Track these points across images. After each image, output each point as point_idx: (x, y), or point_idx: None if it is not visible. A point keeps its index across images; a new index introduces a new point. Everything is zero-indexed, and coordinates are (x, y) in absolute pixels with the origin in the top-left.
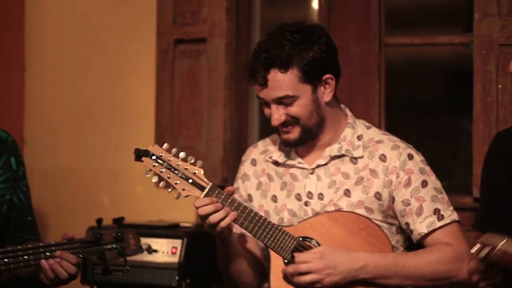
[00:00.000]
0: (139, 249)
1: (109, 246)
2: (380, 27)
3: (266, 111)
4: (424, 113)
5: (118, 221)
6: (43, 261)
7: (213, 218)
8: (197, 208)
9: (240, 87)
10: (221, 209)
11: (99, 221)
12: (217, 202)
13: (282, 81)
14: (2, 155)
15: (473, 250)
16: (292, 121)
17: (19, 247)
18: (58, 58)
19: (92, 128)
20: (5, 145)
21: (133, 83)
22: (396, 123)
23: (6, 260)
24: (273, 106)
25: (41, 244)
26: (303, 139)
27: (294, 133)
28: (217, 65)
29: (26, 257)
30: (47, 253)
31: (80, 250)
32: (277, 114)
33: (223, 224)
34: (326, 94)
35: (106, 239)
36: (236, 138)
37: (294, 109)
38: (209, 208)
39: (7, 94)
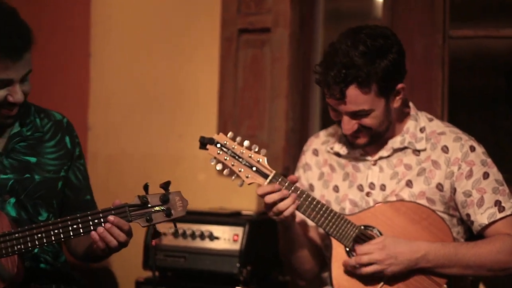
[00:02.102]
0: (186, 210)
1: (156, 209)
2: (445, 19)
3: (333, 114)
4: (486, 105)
5: (165, 185)
6: (93, 233)
7: (281, 206)
8: (261, 195)
9: (303, 77)
10: (287, 197)
11: (146, 186)
12: (281, 189)
13: (360, 96)
14: (57, 135)
15: None
16: (364, 129)
17: (68, 217)
18: (123, 45)
19: (156, 115)
20: (60, 125)
21: (196, 71)
22: (459, 115)
23: (56, 231)
24: (346, 118)
25: (88, 212)
26: (372, 142)
27: (363, 139)
28: (281, 55)
29: (75, 226)
30: (95, 220)
31: (128, 214)
32: (349, 125)
33: (288, 212)
34: (396, 100)
35: (152, 202)
36: (298, 127)
37: (367, 121)
38: (275, 196)
39: (72, 81)
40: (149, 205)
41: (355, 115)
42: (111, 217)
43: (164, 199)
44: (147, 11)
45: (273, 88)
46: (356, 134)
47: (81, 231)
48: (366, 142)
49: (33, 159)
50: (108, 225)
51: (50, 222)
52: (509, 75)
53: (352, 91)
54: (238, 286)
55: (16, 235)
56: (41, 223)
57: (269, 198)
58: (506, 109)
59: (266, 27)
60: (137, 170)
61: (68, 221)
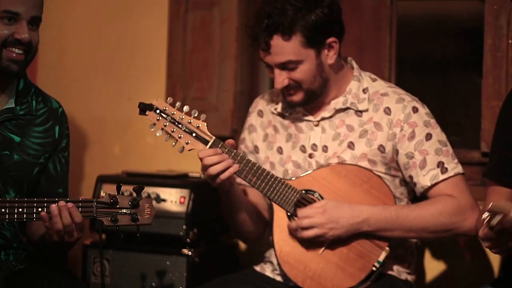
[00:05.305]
0: (153, 219)
1: (123, 211)
2: None
3: (270, 74)
4: (434, 68)
5: (139, 190)
6: (42, 213)
7: (215, 169)
8: (202, 158)
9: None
10: (224, 160)
11: (119, 186)
12: (222, 154)
13: (284, 46)
14: (49, 121)
15: (484, 217)
16: (295, 85)
17: (35, 199)
18: (72, 7)
19: (105, 78)
20: (55, 113)
21: (145, 34)
22: (407, 78)
23: (20, 210)
24: (276, 71)
25: (57, 199)
26: (308, 101)
27: (298, 96)
28: (229, 17)
29: (40, 209)
30: None
31: (95, 210)
32: (280, 78)
33: (224, 176)
34: (330, 56)
35: (122, 203)
36: (247, 90)
37: (297, 74)
38: (215, 159)
39: None
40: (118, 206)
41: (284, 67)
42: (70, 204)
43: (134, 204)
44: None
45: (222, 50)
46: (289, 90)
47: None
48: (302, 100)
49: (17, 139)
50: (62, 203)
51: (16, 199)
52: (457, 37)
53: (276, 41)
54: (185, 248)
55: None
56: (8, 199)
57: (208, 160)
58: (455, 71)
59: None
60: (86, 133)
61: (34, 203)
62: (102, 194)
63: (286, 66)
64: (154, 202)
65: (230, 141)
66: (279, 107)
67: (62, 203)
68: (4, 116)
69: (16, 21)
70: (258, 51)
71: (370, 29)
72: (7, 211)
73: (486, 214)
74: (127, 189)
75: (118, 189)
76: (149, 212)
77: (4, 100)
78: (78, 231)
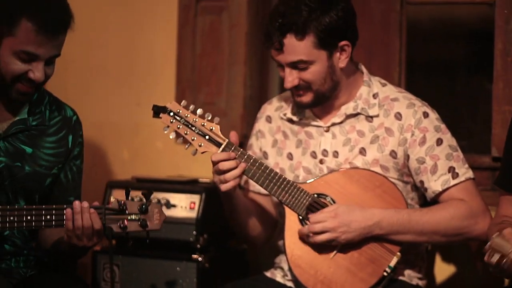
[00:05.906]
0: (162, 224)
1: (132, 217)
2: None
3: (281, 73)
4: (444, 72)
5: (148, 194)
6: (67, 210)
7: (232, 174)
8: (215, 162)
9: (261, 43)
10: (238, 166)
11: (128, 191)
12: (236, 157)
13: (297, 46)
14: (62, 131)
15: (486, 248)
16: (305, 85)
17: (43, 206)
18: (80, 13)
19: (114, 83)
20: (68, 122)
21: (154, 38)
22: (416, 82)
23: (29, 217)
24: (287, 70)
25: (65, 206)
26: (317, 103)
27: (307, 97)
28: (239, 22)
29: (48, 216)
30: None
31: (103, 216)
32: (291, 77)
33: (237, 181)
34: (341, 60)
35: (130, 209)
36: (256, 94)
37: (308, 75)
38: (230, 164)
39: None
40: (127, 212)
41: (295, 66)
42: (92, 210)
43: (143, 209)
44: None
45: (231, 55)
46: (298, 91)
47: (53, 223)
48: (310, 101)
49: (29, 150)
50: (85, 204)
51: (25, 207)
52: (467, 42)
53: (289, 40)
54: (195, 253)
55: None
56: (16, 207)
57: (223, 166)
58: (465, 75)
59: None
60: (95, 138)
61: (42, 210)
62: (112, 200)
63: (297, 65)
64: (164, 208)
65: (233, 133)
66: (288, 112)
67: (85, 203)
68: (16, 128)
69: (34, 60)
70: (270, 50)
71: (379, 33)
72: (15, 219)
73: (487, 246)
74: (137, 194)
75: (127, 194)
76: (158, 218)
77: (17, 111)
78: (97, 236)
